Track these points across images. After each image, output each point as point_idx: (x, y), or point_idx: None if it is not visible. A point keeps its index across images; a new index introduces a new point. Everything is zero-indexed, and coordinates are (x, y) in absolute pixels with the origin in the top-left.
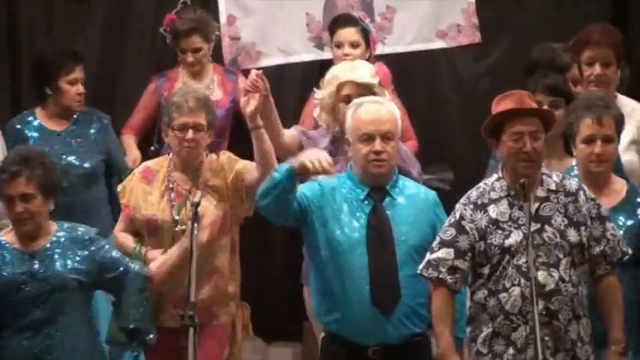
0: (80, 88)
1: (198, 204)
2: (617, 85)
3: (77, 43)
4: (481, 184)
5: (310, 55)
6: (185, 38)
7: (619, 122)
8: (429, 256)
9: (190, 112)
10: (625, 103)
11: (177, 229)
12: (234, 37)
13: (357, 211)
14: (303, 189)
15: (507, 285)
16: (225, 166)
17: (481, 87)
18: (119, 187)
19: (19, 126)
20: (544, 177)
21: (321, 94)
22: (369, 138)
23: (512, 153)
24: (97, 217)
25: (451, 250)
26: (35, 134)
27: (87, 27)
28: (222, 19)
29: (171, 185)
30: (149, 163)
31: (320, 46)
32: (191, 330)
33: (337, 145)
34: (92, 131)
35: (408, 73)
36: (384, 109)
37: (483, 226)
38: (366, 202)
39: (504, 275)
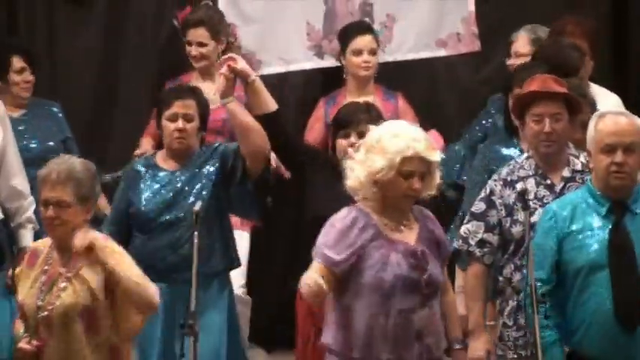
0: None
1: (198, 213)
2: (590, 75)
3: (77, 44)
4: (512, 161)
5: (310, 63)
6: (192, 29)
7: (592, 110)
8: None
9: (53, 187)
10: (597, 91)
11: (39, 315)
12: None
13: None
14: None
15: None
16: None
17: (481, 95)
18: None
19: None
20: (571, 157)
21: (380, 164)
22: (611, 149)
23: (533, 134)
24: None
25: (481, 224)
26: None
27: (87, 28)
28: None
29: (46, 267)
30: (37, 243)
31: (320, 54)
32: (191, 339)
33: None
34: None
35: (408, 82)
36: (626, 120)
37: (511, 203)
38: (607, 218)
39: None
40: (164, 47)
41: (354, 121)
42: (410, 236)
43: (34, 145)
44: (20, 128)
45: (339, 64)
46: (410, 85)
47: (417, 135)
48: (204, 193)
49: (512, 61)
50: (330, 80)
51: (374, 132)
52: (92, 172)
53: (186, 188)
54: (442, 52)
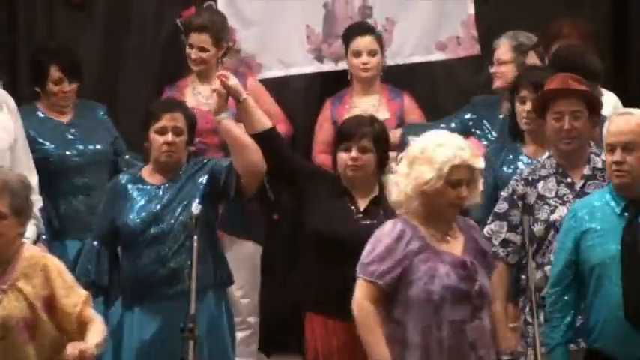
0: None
1: (198, 217)
2: None
3: (77, 44)
4: (534, 161)
5: (310, 67)
6: (195, 33)
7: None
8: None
9: None
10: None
11: None
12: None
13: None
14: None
15: (552, 258)
16: (42, 275)
17: None
18: None
19: None
20: (592, 155)
21: (429, 175)
22: (611, 149)
23: (553, 131)
24: None
25: (504, 224)
26: None
27: (87, 28)
28: None
29: None
30: None
31: (320, 58)
32: (191, 343)
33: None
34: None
35: (408, 85)
36: (632, 120)
37: (532, 202)
38: (622, 216)
39: (549, 249)
40: (164, 47)
41: (356, 135)
42: (456, 247)
43: (85, 150)
44: (70, 134)
45: (338, 68)
46: (409, 88)
47: (461, 143)
48: (192, 206)
49: (495, 69)
50: (330, 83)
51: (416, 144)
52: (26, 185)
53: (173, 202)
54: (442, 56)
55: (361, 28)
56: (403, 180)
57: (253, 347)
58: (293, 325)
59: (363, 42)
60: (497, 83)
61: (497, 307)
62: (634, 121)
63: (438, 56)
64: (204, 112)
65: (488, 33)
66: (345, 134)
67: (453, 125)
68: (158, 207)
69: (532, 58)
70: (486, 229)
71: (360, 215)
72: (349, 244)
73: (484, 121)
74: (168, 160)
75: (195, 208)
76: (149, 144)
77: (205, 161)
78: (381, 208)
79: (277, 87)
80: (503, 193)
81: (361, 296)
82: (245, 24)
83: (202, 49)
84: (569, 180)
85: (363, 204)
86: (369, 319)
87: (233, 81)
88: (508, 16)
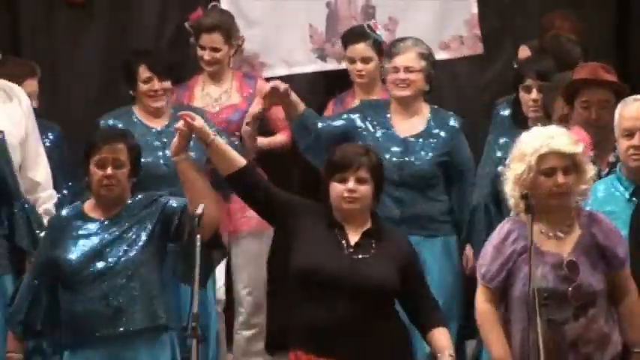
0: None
1: (201, 216)
2: None
3: (79, 44)
4: None
5: (313, 66)
6: (206, 34)
7: None
8: None
9: None
10: None
11: None
12: None
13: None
14: None
15: None
16: None
17: (483, 98)
18: None
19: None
20: (616, 143)
21: (521, 169)
22: (629, 133)
23: (581, 120)
24: None
25: None
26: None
27: (88, 32)
28: None
29: None
30: None
31: (323, 57)
32: (194, 341)
33: None
34: None
35: None
36: None
37: None
38: (631, 201)
39: None
40: (167, 48)
41: (353, 165)
42: (565, 245)
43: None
44: (157, 143)
45: (341, 68)
46: None
47: (553, 132)
48: (139, 243)
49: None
50: (333, 82)
51: (516, 144)
52: None
53: (117, 240)
54: (445, 55)
55: (354, 34)
56: (508, 181)
57: (258, 347)
58: None
59: (356, 49)
60: None
61: (632, 299)
62: None
63: (441, 56)
64: (213, 113)
65: (491, 33)
66: (339, 164)
67: (338, 123)
68: (101, 243)
69: (525, 52)
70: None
71: (352, 250)
72: (340, 280)
73: (368, 120)
74: (108, 195)
75: (200, 207)
76: (89, 177)
77: (158, 198)
78: (373, 241)
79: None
80: None
81: (479, 300)
82: (248, 23)
83: (215, 49)
84: (596, 168)
85: (354, 237)
86: (486, 321)
87: (199, 123)
88: (510, 16)
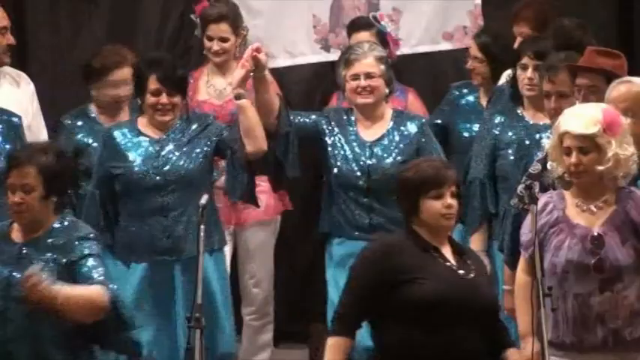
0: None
1: (205, 206)
2: None
3: (82, 40)
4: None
5: (317, 56)
6: (214, 24)
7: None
8: None
9: None
10: None
11: None
12: None
13: None
14: None
15: None
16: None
17: None
18: None
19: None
20: None
21: (550, 145)
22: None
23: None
24: None
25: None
26: None
27: (93, 25)
28: None
29: None
30: None
31: (326, 47)
32: (197, 332)
33: None
34: None
35: (414, 75)
36: (622, 86)
37: None
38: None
39: None
40: (170, 41)
41: (448, 181)
42: (598, 219)
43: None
44: (152, 150)
45: None
46: (414, 78)
47: (577, 111)
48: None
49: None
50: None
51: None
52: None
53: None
54: (449, 46)
55: (358, 23)
56: (548, 155)
57: (267, 337)
58: (301, 317)
59: (360, 38)
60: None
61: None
62: (628, 88)
63: (445, 46)
64: (218, 105)
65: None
66: (433, 180)
67: (308, 120)
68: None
69: (524, 28)
70: (520, 188)
71: (462, 272)
72: (466, 303)
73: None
74: (19, 221)
75: (204, 198)
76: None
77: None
78: (467, 259)
79: (283, 77)
80: (539, 155)
81: (518, 269)
82: (251, 14)
83: (223, 40)
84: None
85: (449, 256)
86: (520, 291)
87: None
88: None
